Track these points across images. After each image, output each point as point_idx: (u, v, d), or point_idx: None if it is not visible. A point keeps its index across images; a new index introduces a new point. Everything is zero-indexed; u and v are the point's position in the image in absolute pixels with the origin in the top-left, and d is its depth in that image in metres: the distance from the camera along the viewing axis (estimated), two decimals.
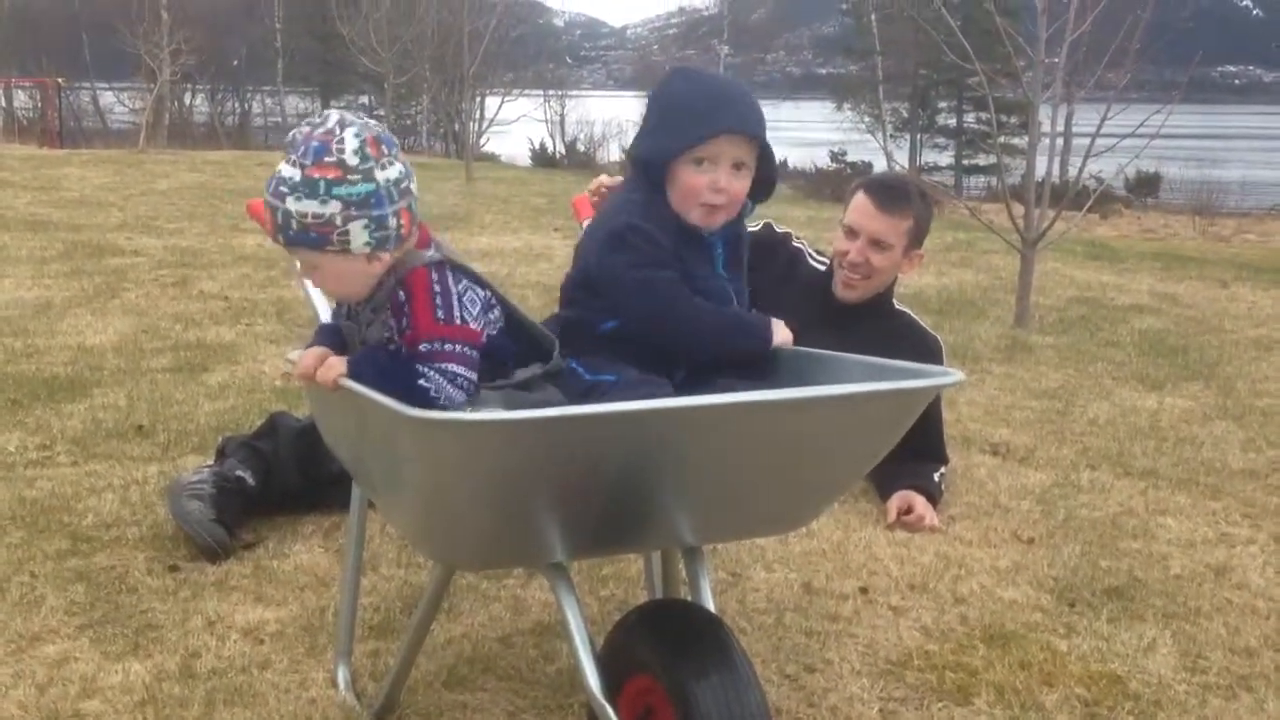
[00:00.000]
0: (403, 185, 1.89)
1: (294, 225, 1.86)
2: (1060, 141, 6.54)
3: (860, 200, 3.63)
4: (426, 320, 1.87)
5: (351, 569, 2.48)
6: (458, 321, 1.89)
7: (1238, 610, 2.93)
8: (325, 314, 2.37)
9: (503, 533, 1.88)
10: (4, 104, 34.97)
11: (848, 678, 2.56)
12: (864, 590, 2.98)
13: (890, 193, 3.60)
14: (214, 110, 43.45)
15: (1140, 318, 6.83)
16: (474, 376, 1.89)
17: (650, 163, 2.13)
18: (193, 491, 3.11)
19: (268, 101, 46.31)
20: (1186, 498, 3.74)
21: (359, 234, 1.85)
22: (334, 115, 1.88)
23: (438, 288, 1.89)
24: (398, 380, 1.83)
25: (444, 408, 1.85)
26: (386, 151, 1.87)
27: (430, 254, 1.92)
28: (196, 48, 25.53)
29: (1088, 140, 6.72)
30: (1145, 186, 30.27)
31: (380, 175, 1.86)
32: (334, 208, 1.83)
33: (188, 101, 42.18)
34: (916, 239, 3.64)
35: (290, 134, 1.90)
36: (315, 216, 1.84)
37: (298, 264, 2.01)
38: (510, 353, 2.01)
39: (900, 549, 3.24)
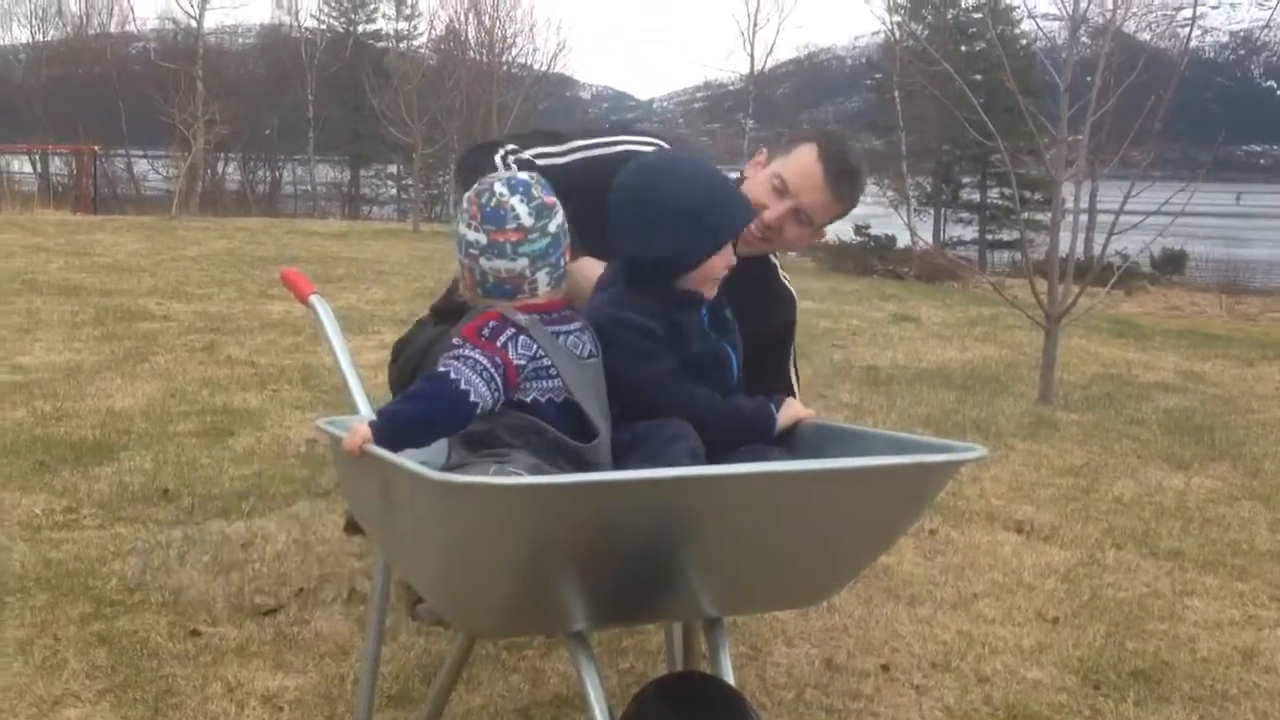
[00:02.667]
0: (565, 227, 2.08)
1: (490, 280, 2.05)
2: (1084, 218, 6.57)
3: (810, 164, 2.81)
4: (470, 331, 1.99)
5: (373, 638, 2.48)
6: (497, 344, 1.97)
7: (1266, 694, 2.89)
8: (362, 401, 2.40)
9: (524, 599, 1.88)
10: (40, 170, 35.63)
11: None
12: (886, 668, 2.96)
13: (848, 175, 2.88)
14: (245, 178, 44.15)
15: (1166, 396, 6.80)
16: (499, 378, 1.95)
17: (673, 263, 2.16)
18: (418, 596, 3.08)
19: (298, 170, 47.01)
20: (1214, 579, 3.70)
21: (544, 280, 2.05)
22: (498, 183, 2.06)
23: (493, 324, 2.00)
24: (420, 391, 1.93)
25: (463, 390, 1.90)
26: (548, 200, 2.06)
27: (521, 317, 2.02)
28: (230, 118, 26.08)
29: (1111, 217, 6.75)
30: (1171, 264, 30.25)
31: (552, 227, 2.05)
32: (522, 264, 2.03)
33: (220, 169, 42.88)
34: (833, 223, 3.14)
35: (464, 198, 2.08)
36: (508, 272, 2.04)
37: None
38: (556, 424, 2.03)
39: (923, 626, 3.22)
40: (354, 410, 2.54)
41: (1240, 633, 3.27)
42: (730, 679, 2.03)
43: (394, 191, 45.32)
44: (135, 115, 42.15)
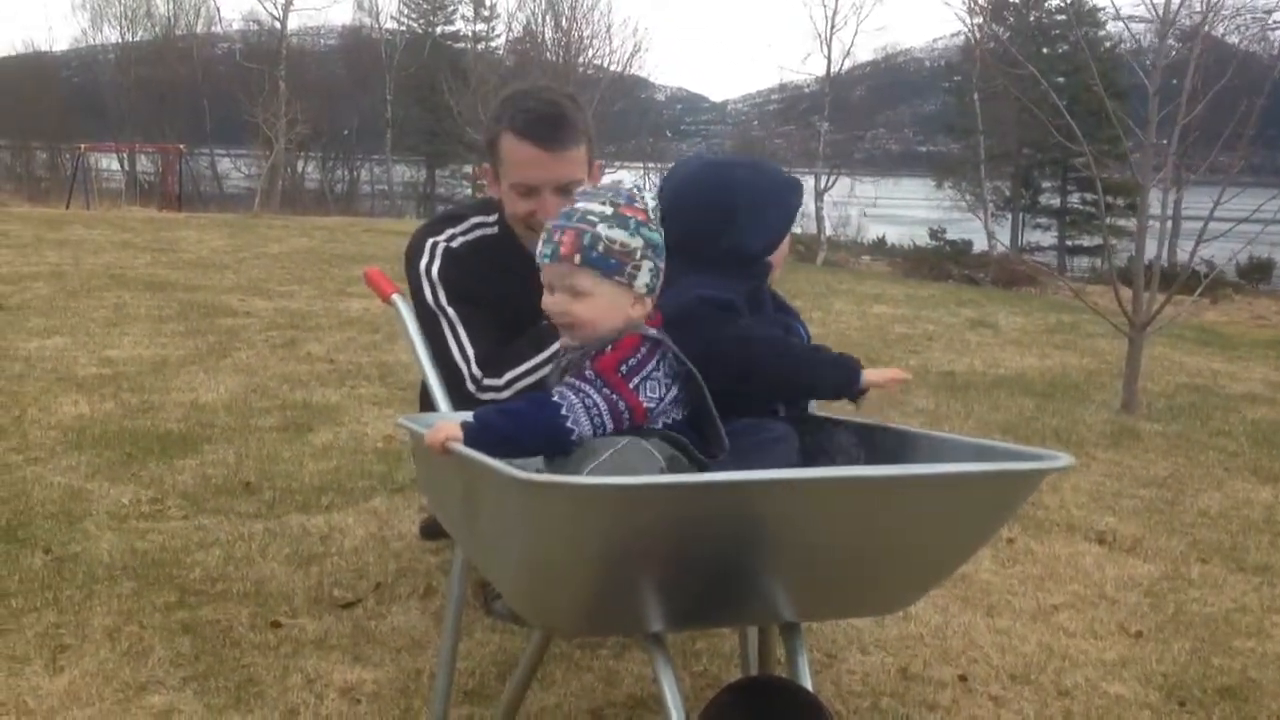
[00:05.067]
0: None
1: (600, 248, 1.99)
2: (1169, 224, 6.44)
3: (514, 150, 2.76)
4: (609, 365, 1.95)
5: (450, 633, 2.50)
6: (631, 386, 1.94)
7: None
8: (442, 399, 2.43)
9: (604, 599, 1.89)
10: (127, 168, 36.52)
11: None
12: (963, 678, 2.91)
13: (547, 122, 2.75)
14: (324, 177, 44.90)
15: (1254, 407, 6.63)
16: (610, 424, 1.92)
17: (763, 253, 2.27)
18: (496, 591, 3.12)
19: (375, 170, 47.70)
20: None
21: (645, 273, 2.01)
22: (626, 179, 2.10)
23: (638, 356, 1.97)
24: (524, 412, 1.92)
25: (568, 428, 1.89)
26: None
27: (653, 331, 2.02)
28: (311, 118, 26.54)
29: (1196, 224, 6.60)
30: (1258, 272, 29.54)
31: (659, 237, 2.05)
32: (639, 243, 2.00)
33: (300, 168, 43.63)
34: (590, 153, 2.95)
35: (581, 188, 2.09)
36: (622, 245, 1.99)
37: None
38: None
39: (1001, 637, 3.17)
40: (433, 408, 2.57)
41: None
42: (809, 684, 2.02)
43: (469, 191, 45.76)
44: (219, 114, 43.11)
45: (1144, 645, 3.18)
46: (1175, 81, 6.77)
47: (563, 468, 1.92)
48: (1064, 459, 1.86)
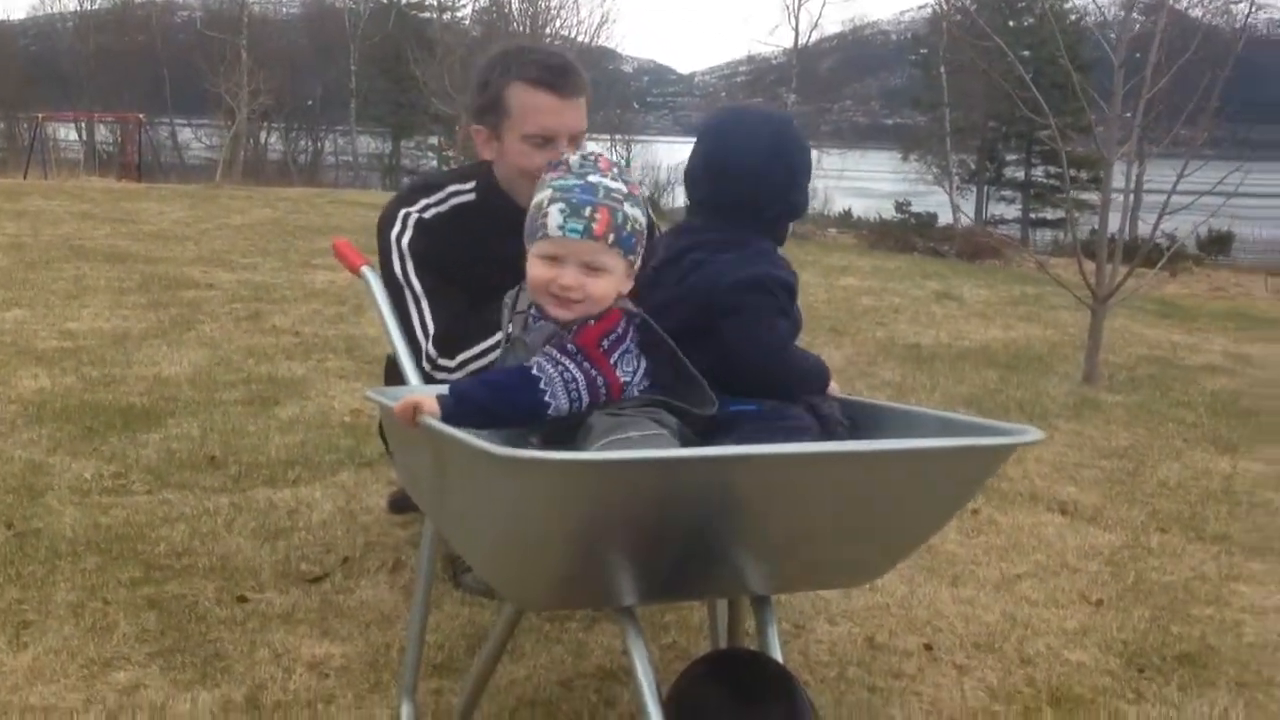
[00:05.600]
0: None
1: (628, 228, 1.97)
2: (1132, 198, 6.50)
3: (531, 97, 2.75)
4: (591, 339, 1.94)
5: (420, 605, 2.50)
6: (611, 361, 1.94)
7: None
8: (411, 372, 2.43)
9: (577, 573, 1.89)
10: (86, 138, 35.99)
11: None
12: (928, 647, 2.95)
13: (560, 70, 2.77)
14: (287, 148, 44.44)
15: (1213, 378, 6.72)
16: (587, 398, 1.92)
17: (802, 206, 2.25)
18: (465, 565, 3.13)
19: (340, 141, 47.26)
20: (1261, 564, 3.66)
21: (642, 252, 2.02)
22: (592, 148, 2.08)
23: (618, 330, 1.96)
24: (500, 382, 1.91)
25: (545, 402, 1.89)
26: None
27: (632, 305, 2.01)
28: (274, 88, 26.22)
29: (1158, 197, 6.67)
30: (1217, 245, 29.86)
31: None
32: (646, 222, 2.03)
33: (263, 139, 43.16)
34: None
35: (573, 159, 2.01)
36: (638, 224, 2.00)
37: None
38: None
39: (965, 607, 3.21)
40: (401, 381, 2.56)
41: None
42: (779, 656, 2.03)
43: (435, 163, 45.44)
44: (179, 84, 42.52)
45: (1104, 613, 3.22)
46: (1139, 55, 6.80)
47: (571, 442, 1.93)
48: (1033, 433, 1.88)
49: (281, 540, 3.41)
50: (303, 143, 47.09)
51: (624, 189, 1.98)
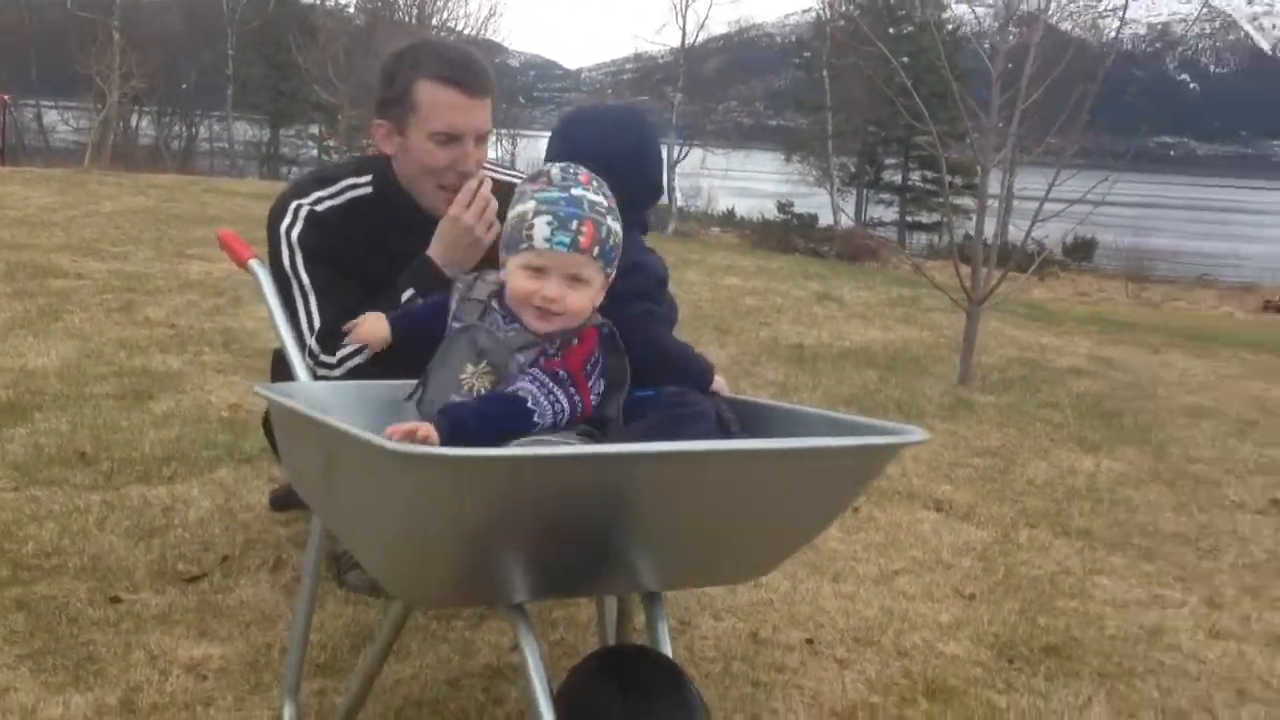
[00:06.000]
0: None
1: (610, 242, 2.01)
2: (1004, 204, 6.72)
3: (439, 94, 2.72)
4: (578, 363, 1.99)
5: (305, 604, 2.46)
6: (589, 384, 2.01)
7: (1170, 672, 3.00)
8: (301, 368, 2.41)
9: (470, 571, 1.89)
10: None
11: None
12: (810, 641, 3.02)
13: (465, 65, 2.76)
14: (160, 134, 43.09)
15: (1078, 380, 6.98)
16: (566, 421, 1.98)
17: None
18: (349, 563, 3.08)
19: (215, 127, 46.01)
20: (1121, 559, 3.82)
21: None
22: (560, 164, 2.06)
23: (596, 355, 2.03)
24: (496, 413, 1.93)
25: (535, 423, 1.93)
26: None
27: (600, 319, 2.06)
28: (147, 71, 25.38)
29: (1029, 204, 6.90)
30: (1081, 251, 31.03)
31: None
32: (622, 234, 2.05)
33: (134, 123, 41.78)
34: None
35: (554, 171, 2.02)
36: (619, 239, 2.04)
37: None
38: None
39: (846, 601, 3.29)
40: (288, 376, 2.52)
41: (1146, 612, 3.39)
42: (668, 652, 2.06)
43: (315, 153, 44.55)
44: (47, 64, 40.89)
45: (977, 607, 3.33)
46: (1011, 65, 7.02)
47: None
48: (919, 433, 1.94)
49: (157, 539, 3.32)
50: (176, 128, 45.69)
51: (605, 202, 2.02)
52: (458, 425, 1.88)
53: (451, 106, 2.72)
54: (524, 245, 1.99)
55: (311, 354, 2.72)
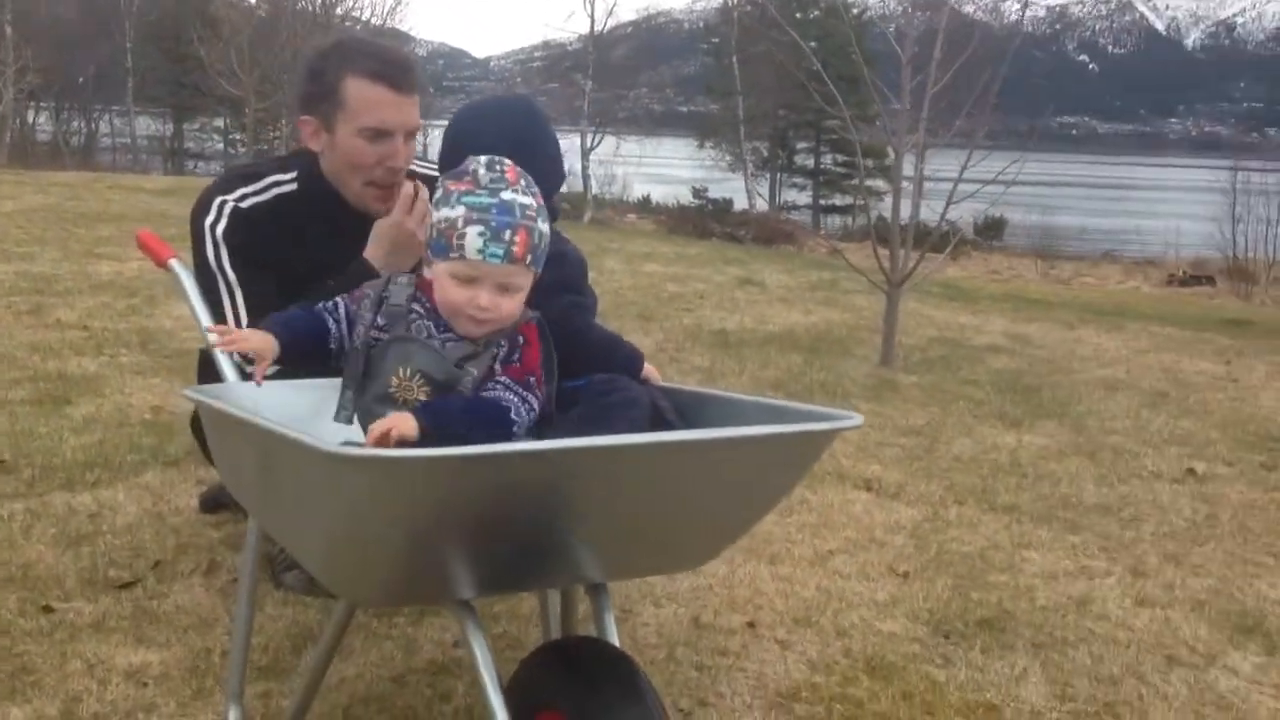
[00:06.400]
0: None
1: (541, 246, 1.98)
2: (918, 186, 6.82)
3: (368, 91, 2.70)
4: (536, 363, 2.00)
5: (245, 607, 2.43)
6: (544, 380, 2.03)
7: (1100, 640, 3.09)
8: (228, 368, 2.36)
9: (414, 569, 1.88)
10: None
11: (740, 711, 2.62)
12: (751, 625, 3.05)
13: (400, 65, 2.76)
14: (58, 129, 41.86)
15: (996, 358, 7.13)
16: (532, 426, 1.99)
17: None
18: (285, 564, 3.04)
19: (116, 122, 44.81)
20: (1048, 532, 3.93)
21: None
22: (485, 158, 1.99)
23: (544, 345, 2.03)
24: (479, 420, 1.91)
25: (515, 433, 1.94)
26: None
27: (532, 314, 2.04)
28: (43, 66, 24.63)
29: (937, 185, 7.03)
30: (991, 230, 31.63)
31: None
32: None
33: (30, 119, 40.53)
34: None
35: (480, 170, 1.95)
36: (548, 239, 2.00)
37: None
38: None
39: (784, 584, 3.33)
40: (215, 377, 2.47)
41: (1074, 582, 3.49)
42: (615, 641, 2.07)
43: (220, 146, 43.67)
44: None
45: (911, 584, 3.40)
46: (918, 49, 7.12)
47: None
48: (856, 418, 1.97)
49: (85, 546, 3.25)
50: (75, 124, 44.43)
51: (534, 203, 1.97)
52: (441, 419, 1.86)
53: (381, 103, 2.69)
54: (454, 254, 1.93)
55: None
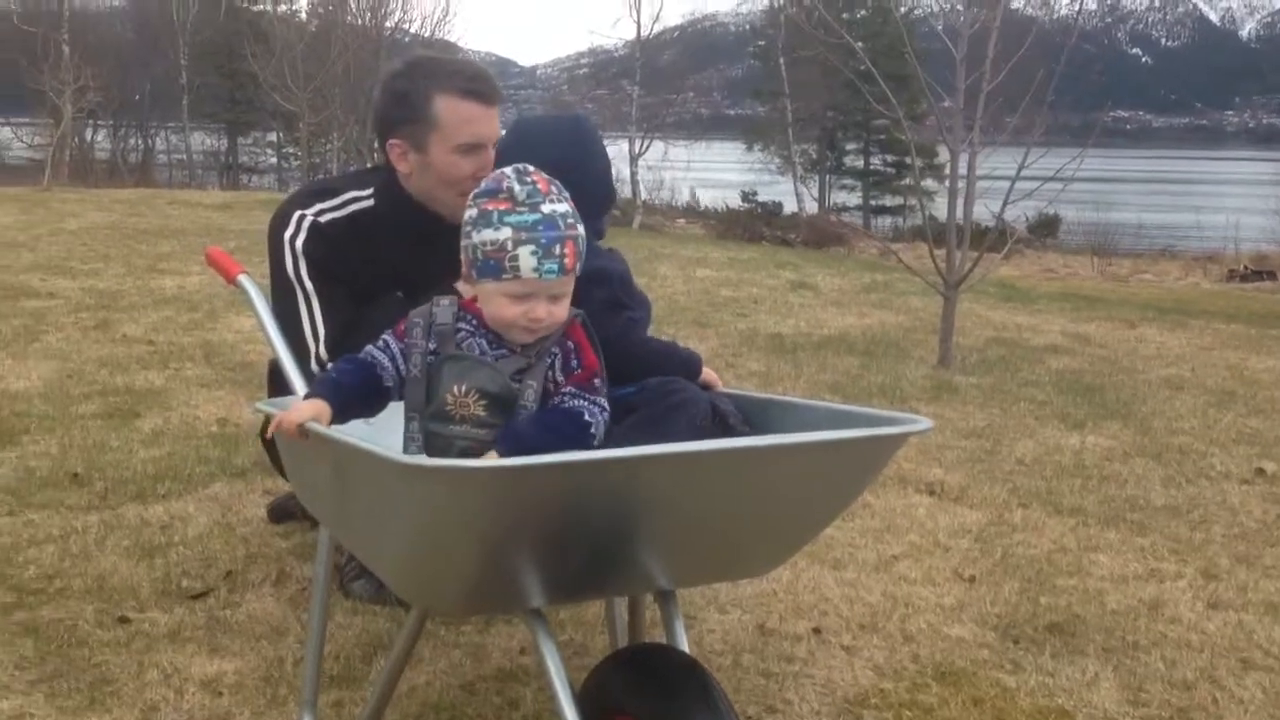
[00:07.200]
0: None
1: (583, 249, 2.01)
2: (972, 186, 6.74)
3: (460, 107, 2.75)
4: (594, 361, 2.02)
5: (318, 617, 2.47)
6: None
7: (1173, 644, 3.05)
8: (297, 381, 2.38)
9: (486, 577, 1.90)
10: None
11: (808, 717, 2.61)
12: (817, 630, 3.04)
13: (483, 78, 2.82)
14: (116, 147, 42.58)
15: (1056, 358, 7.05)
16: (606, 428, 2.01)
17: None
18: (353, 573, 3.09)
19: (172, 138, 45.53)
20: (1116, 534, 3.87)
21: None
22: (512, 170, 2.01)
23: (593, 341, 2.04)
24: (563, 435, 1.92)
25: (592, 435, 1.95)
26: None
27: (576, 312, 2.06)
28: (101, 84, 25.03)
29: (992, 183, 6.95)
30: (1045, 228, 31.22)
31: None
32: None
33: (89, 137, 41.27)
34: None
35: (515, 187, 1.96)
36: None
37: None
38: None
39: (848, 589, 3.31)
40: (284, 390, 2.51)
41: (1145, 586, 3.44)
42: (686, 648, 2.08)
43: (274, 160, 44.17)
44: None
45: (977, 589, 3.37)
46: (968, 48, 7.06)
47: None
48: (924, 422, 1.97)
49: (159, 557, 3.31)
50: (133, 141, 45.17)
51: (570, 208, 2.00)
52: (522, 444, 1.88)
53: (474, 118, 2.74)
54: (507, 275, 1.95)
55: (319, 360, 2.72)
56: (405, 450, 2.07)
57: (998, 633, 3.09)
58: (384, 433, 2.14)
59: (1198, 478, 4.57)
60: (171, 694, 2.57)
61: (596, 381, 2.00)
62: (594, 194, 2.25)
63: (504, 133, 2.52)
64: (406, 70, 2.82)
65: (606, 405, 1.99)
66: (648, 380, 2.19)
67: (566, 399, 1.98)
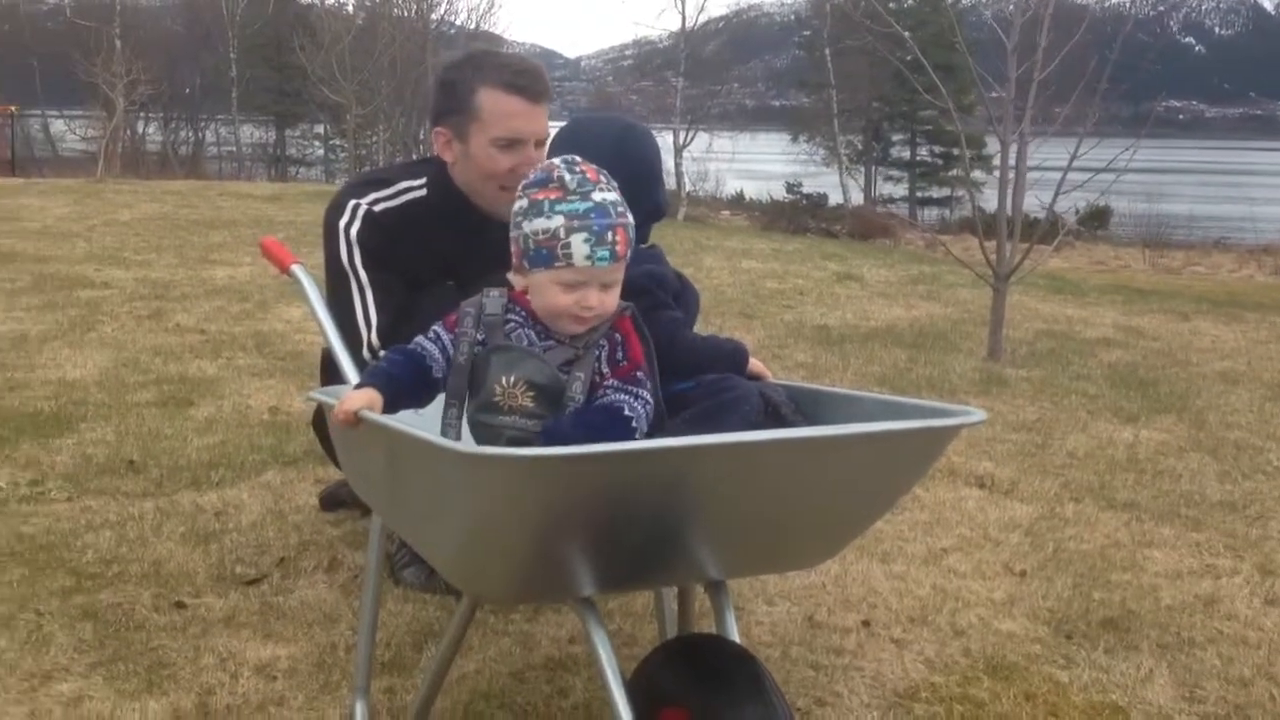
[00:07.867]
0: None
1: (632, 237, 2.02)
2: (1022, 177, 6.65)
3: (503, 101, 2.77)
4: (643, 358, 2.03)
5: (370, 604, 2.49)
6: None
7: (1229, 641, 3.01)
8: (350, 370, 2.40)
9: (539, 566, 1.90)
10: None
11: (858, 710, 2.60)
12: (866, 623, 3.03)
13: (532, 74, 2.82)
14: (167, 139, 43.11)
15: (1108, 351, 6.97)
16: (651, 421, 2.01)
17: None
18: (403, 561, 3.12)
19: (221, 131, 46.03)
20: (1170, 530, 3.82)
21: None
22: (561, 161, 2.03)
23: (641, 335, 2.05)
24: (600, 426, 1.93)
25: (634, 428, 1.96)
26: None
27: (625, 305, 2.07)
28: (152, 77, 25.33)
29: (1042, 174, 6.87)
30: (1095, 219, 30.82)
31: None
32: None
33: (140, 130, 41.79)
34: None
35: (566, 176, 1.97)
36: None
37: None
38: None
39: (898, 582, 3.30)
40: (337, 379, 2.53)
41: (1200, 581, 3.39)
42: (736, 639, 2.08)
43: (321, 152, 44.53)
44: (50, 74, 40.95)
45: (1029, 583, 3.34)
46: (1019, 37, 6.98)
47: None
48: (978, 414, 1.96)
49: (213, 543, 3.36)
50: (183, 133, 45.70)
51: (619, 196, 2.01)
52: (565, 442, 1.87)
53: (514, 113, 2.75)
54: (559, 263, 1.96)
55: (371, 348, 2.74)
56: (443, 434, 2.09)
57: (1050, 628, 3.06)
58: (434, 422, 2.15)
59: (1254, 473, 4.50)
60: (227, 678, 2.60)
61: (639, 374, 2.00)
62: (645, 208, 2.24)
63: (554, 130, 2.52)
64: (460, 61, 2.84)
65: (649, 398, 1.99)
66: (704, 376, 2.18)
67: (609, 393, 1.98)
